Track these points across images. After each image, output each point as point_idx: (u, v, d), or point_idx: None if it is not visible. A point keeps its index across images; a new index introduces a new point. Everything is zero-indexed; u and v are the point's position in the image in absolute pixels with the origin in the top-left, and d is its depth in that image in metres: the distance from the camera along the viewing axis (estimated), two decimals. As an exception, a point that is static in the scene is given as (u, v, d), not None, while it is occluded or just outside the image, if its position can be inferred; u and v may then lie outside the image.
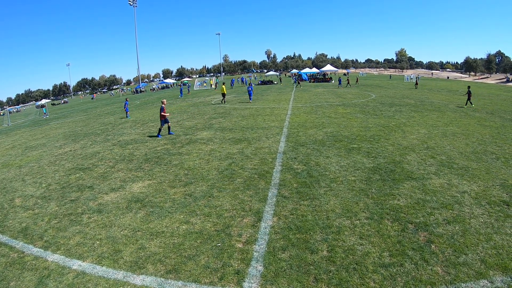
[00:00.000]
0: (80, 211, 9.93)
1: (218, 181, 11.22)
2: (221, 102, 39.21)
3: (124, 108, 34.90)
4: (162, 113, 20.15)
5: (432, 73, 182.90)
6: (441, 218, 7.57)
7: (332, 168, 11.64)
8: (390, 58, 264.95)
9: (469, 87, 30.98)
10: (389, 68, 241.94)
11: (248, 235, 7.47)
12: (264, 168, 12.21)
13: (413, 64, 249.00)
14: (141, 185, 11.68)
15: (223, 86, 40.12)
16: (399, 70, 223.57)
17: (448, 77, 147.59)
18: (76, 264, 7.08)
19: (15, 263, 7.52)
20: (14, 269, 7.25)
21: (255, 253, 6.68)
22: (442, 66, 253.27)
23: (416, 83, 61.14)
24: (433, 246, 6.45)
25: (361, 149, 13.76)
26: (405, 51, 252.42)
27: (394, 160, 12.15)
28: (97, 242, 7.92)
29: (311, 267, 6.08)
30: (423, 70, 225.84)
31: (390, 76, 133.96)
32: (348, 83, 63.75)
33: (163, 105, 20.51)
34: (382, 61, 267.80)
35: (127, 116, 34.66)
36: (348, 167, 11.59)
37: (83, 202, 10.68)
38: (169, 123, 20.98)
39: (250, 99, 38.75)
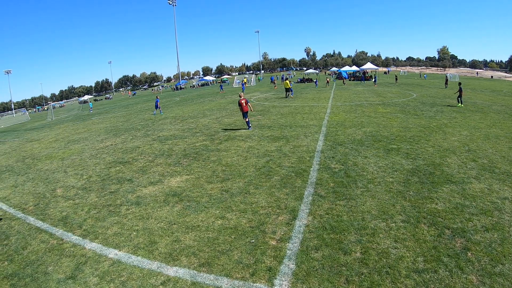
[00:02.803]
0: (119, 203, 10.26)
1: (255, 178, 11.27)
2: (286, 96, 40.24)
3: (156, 105, 36.67)
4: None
5: (477, 72, 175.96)
6: (480, 225, 7.26)
7: (370, 168, 11.43)
8: (432, 56, 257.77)
9: (460, 83, 29.89)
10: (431, 66, 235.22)
11: (282, 233, 7.47)
12: (302, 166, 12.13)
13: (455, 62, 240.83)
14: (179, 179, 11.91)
15: (287, 81, 41.19)
16: (441, 68, 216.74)
17: (492, 76, 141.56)
18: (113, 253, 7.34)
19: (54, 249, 7.89)
20: (53, 255, 7.61)
21: (288, 251, 6.69)
22: (485, 64, 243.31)
23: (446, 83, 56.94)
24: (469, 254, 6.20)
25: (400, 150, 13.41)
26: (447, 49, 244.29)
27: (434, 162, 11.78)
28: (134, 233, 8.16)
29: (343, 268, 6.02)
30: (466, 69, 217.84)
31: (420, 74, 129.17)
32: (396, 80, 69.40)
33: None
34: (424, 59, 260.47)
35: (160, 112, 36.31)
36: (386, 168, 11.34)
37: (122, 194, 11.01)
38: (247, 119, 20.75)
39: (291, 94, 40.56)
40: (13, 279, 6.85)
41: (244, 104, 20.20)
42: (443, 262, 6.00)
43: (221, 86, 77.77)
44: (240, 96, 20.78)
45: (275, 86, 68.14)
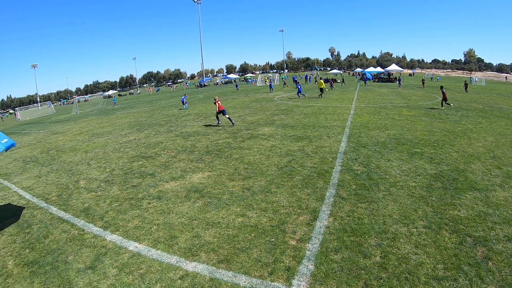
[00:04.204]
0: (140, 197, 10.41)
1: (277, 177, 11.26)
2: (319, 96, 40.02)
3: (182, 101, 38.83)
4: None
5: (506, 77, 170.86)
6: (502, 234, 7.08)
7: (392, 172, 11.28)
8: (458, 59, 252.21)
9: (441, 87, 30.51)
10: (456, 69, 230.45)
11: (302, 233, 7.47)
12: (324, 167, 12.06)
13: (482, 66, 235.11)
14: (201, 176, 12.01)
15: (321, 81, 41.38)
16: (467, 72, 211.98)
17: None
18: (133, 246, 7.48)
19: (75, 239, 8.12)
20: (74, 245, 7.83)
21: (307, 252, 6.69)
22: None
23: (466, 88, 53.88)
24: (490, 263, 6.07)
25: (424, 154, 13.18)
26: (473, 52, 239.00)
27: (458, 168, 11.54)
28: (154, 227, 8.29)
29: (362, 271, 5.99)
30: (492, 72, 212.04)
31: (432, 77, 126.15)
32: (423, 84, 65.73)
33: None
34: (450, 62, 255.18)
35: (184, 107, 37.91)
36: (409, 172, 11.17)
37: (144, 188, 11.17)
38: (226, 115, 23.29)
39: (299, 95, 41.10)
40: (34, 267, 7.06)
41: (219, 104, 23.21)
42: (463, 270, 5.90)
43: (236, 85, 77.72)
44: (215, 99, 23.65)
45: (288, 86, 68.82)
